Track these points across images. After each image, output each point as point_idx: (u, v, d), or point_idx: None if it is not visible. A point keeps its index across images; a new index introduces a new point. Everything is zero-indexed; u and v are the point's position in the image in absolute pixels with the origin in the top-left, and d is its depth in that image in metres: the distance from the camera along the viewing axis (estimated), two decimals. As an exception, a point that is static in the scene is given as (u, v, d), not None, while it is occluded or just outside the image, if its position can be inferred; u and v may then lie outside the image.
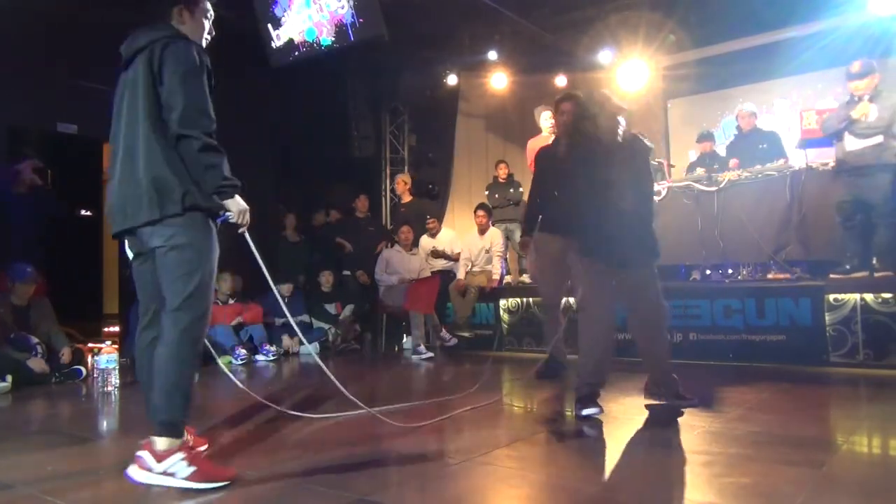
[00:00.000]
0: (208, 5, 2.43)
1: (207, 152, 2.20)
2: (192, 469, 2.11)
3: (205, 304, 2.24)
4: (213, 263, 2.29)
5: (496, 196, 7.70)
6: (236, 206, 2.31)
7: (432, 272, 7.02)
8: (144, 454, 2.15)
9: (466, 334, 6.48)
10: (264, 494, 2.10)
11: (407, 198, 8.15)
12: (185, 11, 2.34)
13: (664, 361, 3.26)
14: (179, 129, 2.17)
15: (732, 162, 6.06)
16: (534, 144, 5.59)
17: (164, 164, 2.19)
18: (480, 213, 6.98)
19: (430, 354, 6.11)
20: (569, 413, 3.53)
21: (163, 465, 2.11)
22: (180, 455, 2.12)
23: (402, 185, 8.25)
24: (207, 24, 2.43)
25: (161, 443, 2.14)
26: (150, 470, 2.12)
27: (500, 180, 7.80)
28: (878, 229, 4.80)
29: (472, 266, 6.84)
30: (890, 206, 4.73)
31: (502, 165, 7.84)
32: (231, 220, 2.31)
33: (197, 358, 2.26)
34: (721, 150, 7.29)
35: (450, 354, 6.30)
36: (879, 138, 4.72)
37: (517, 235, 7.63)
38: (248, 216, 2.35)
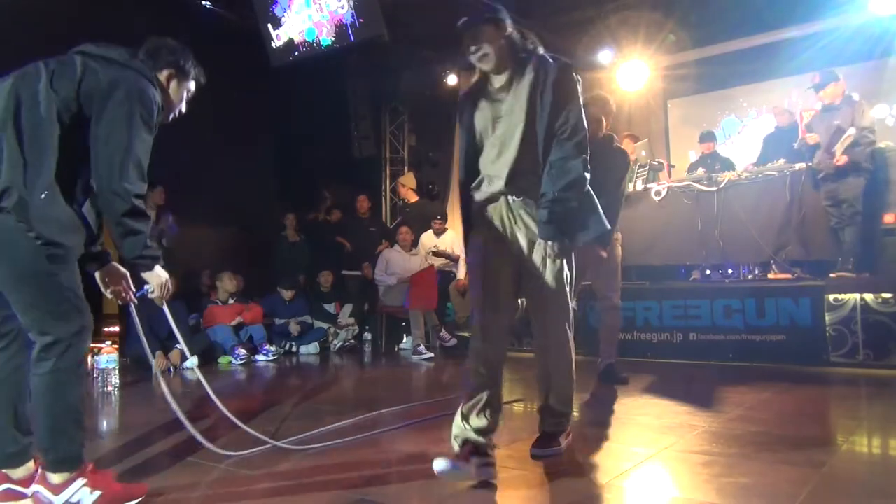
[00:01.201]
0: (193, 86, 2.31)
1: (133, 217, 1.94)
2: (97, 494, 1.90)
3: (86, 318, 1.94)
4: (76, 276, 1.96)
5: None
6: (157, 279, 2.09)
7: (431, 271, 7.05)
8: (40, 489, 1.89)
9: (466, 334, 6.47)
10: (264, 493, 2.10)
11: (412, 198, 8.12)
12: (174, 80, 2.21)
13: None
14: (111, 186, 1.89)
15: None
16: None
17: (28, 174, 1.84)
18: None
19: (430, 355, 6.11)
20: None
21: (62, 496, 1.88)
22: (80, 482, 1.90)
23: (401, 187, 8.28)
24: (184, 104, 2.32)
25: (56, 477, 1.89)
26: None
27: None
28: (847, 229, 4.91)
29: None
30: (857, 207, 4.88)
31: None
32: (150, 295, 2.11)
33: (83, 375, 1.98)
34: (722, 150, 7.30)
35: (450, 355, 6.29)
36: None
37: None
38: (171, 286, 2.15)
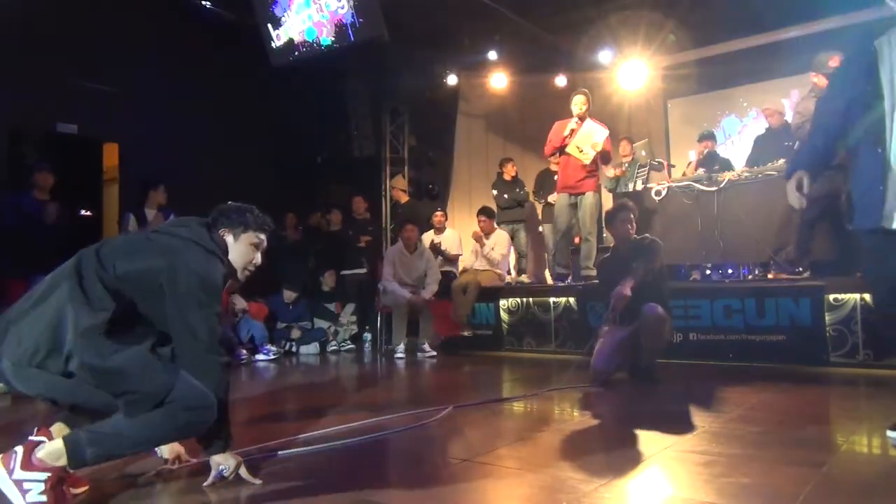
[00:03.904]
0: (260, 237, 2.36)
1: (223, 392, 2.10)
2: (42, 500, 1.85)
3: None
4: None
5: (505, 196, 7.69)
6: (234, 462, 2.16)
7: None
8: (19, 452, 1.88)
9: (466, 333, 6.48)
10: (264, 493, 2.10)
11: (403, 199, 8.16)
12: (229, 235, 2.30)
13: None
14: (201, 366, 2.04)
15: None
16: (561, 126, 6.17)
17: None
18: (482, 218, 6.97)
19: (434, 353, 6.13)
20: (568, 412, 3.54)
21: (22, 474, 1.85)
22: (44, 475, 1.86)
23: (392, 189, 8.35)
24: (255, 255, 2.36)
25: (47, 451, 1.88)
26: (9, 472, 1.85)
27: (507, 178, 7.78)
28: (818, 225, 4.91)
29: (475, 263, 6.86)
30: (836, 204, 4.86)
31: (511, 164, 7.79)
32: (226, 474, 2.15)
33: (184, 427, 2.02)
34: (721, 150, 7.30)
35: (450, 354, 6.30)
36: None
37: (522, 235, 7.72)
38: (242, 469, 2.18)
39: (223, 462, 2.13)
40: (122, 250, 2.09)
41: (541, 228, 7.93)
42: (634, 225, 4.35)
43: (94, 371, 1.87)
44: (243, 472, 2.16)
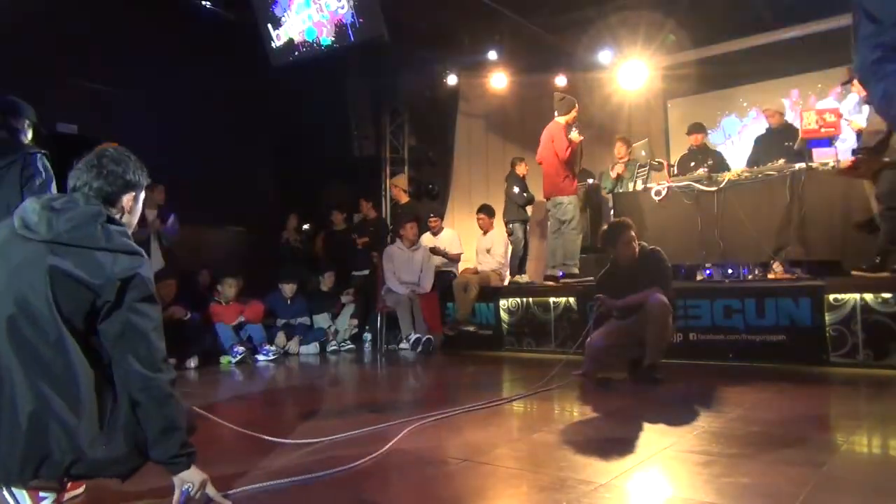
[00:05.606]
0: (143, 195, 2.05)
1: (176, 410, 1.84)
2: None
3: None
4: None
5: (524, 195, 7.70)
6: (199, 477, 1.89)
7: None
8: (20, 495, 1.75)
9: (471, 328, 6.50)
10: (264, 494, 2.10)
11: (404, 199, 8.17)
12: (132, 200, 1.98)
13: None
14: (148, 383, 1.79)
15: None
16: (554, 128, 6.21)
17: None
18: (481, 215, 7.02)
19: (423, 338, 6.21)
20: (568, 412, 3.54)
21: (38, 482, 1.74)
22: (57, 485, 1.81)
23: (393, 188, 8.35)
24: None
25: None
26: None
27: (519, 175, 7.79)
28: (883, 225, 4.79)
29: (478, 263, 6.89)
30: (890, 202, 4.70)
31: (524, 164, 7.80)
32: (193, 493, 1.90)
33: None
34: (721, 150, 7.28)
35: (448, 353, 6.30)
36: None
37: (527, 235, 7.78)
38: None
39: (188, 479, 1.89)
40: (30, 279, 1.72)
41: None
42: (637, 242, 4.20)
43: (100, 463, 1.74)
44: (210, 490, 1.93)
